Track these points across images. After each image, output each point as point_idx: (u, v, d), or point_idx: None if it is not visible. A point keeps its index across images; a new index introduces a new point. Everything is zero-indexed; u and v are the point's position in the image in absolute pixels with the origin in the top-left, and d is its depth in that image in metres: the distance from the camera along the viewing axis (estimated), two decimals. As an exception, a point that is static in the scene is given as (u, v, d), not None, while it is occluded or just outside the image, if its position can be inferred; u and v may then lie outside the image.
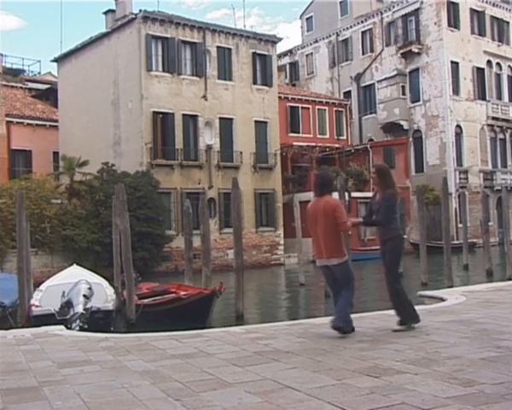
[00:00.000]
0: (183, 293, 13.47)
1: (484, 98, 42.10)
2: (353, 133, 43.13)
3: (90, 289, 11.43)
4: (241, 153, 32.52)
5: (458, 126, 40.24)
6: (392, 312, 8.18)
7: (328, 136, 40.70)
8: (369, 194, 36.59)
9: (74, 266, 15.30)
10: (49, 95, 39.46)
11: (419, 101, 40.84)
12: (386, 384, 4.09)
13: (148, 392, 4.16)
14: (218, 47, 32.50)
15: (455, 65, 40.34)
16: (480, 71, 42.04)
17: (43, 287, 12.88)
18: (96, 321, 10.69)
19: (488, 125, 42.18)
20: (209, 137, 31.71)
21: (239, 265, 13.75)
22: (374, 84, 42.97)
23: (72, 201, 27.31)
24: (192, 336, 6.66)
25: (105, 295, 12.23)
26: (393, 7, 42.61)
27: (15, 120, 34.32)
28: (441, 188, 19.68)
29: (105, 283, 13.36)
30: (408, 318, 6.44)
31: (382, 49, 43.09)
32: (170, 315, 12.49)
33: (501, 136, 43.38)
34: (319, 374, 4.49)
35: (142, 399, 3.97)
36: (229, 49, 32.98)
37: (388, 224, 6.46)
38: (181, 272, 19.80)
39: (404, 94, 41.31)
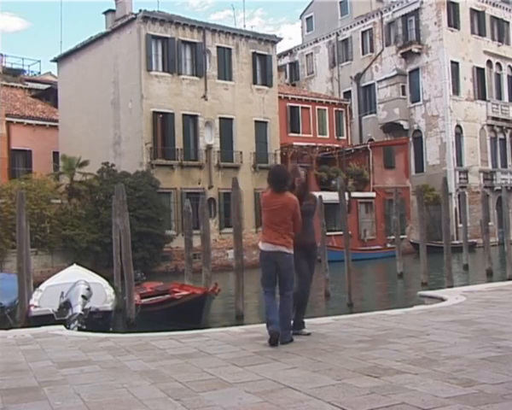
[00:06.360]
0: (179, 293, 13.45)
1: (484, 98, 42.12)
2: (353, 133, 43.10)
3: (88, 289, 11.39)
4: (241, 153, 32.52)
5: (458, 126, 40.26)
6: (392, 312, 8.20)
7: (328, 136, 40.66)
8: (370, 194, 36.69)
9: (74, 266, 15.28)
10: (49, 95, 39.46)
11: (419, 101, 40.85)
12: (386, 384, 4.09)
13: (148, 392, 4.16)
14: (218, 47, 32.52)
15: (455, 65, 40.36)
16: (479, 71, 42.06)
17: (42, 287, 12.85)
18: (95, 322, 10.65)
19: (488, 125, 42.19)
20: (209, 137, 31.71)
21: (239, 265, 13.75)
22: (374, 84, 42.98)
23: (72, 201, 27.31)
24: (192, 336, 6.65)
25: (104, 296, 12.19)
26: (393, 7, 42.62)
27: (15, 120, 34.31)
28: (441, 188, 19.67)
29: (105, 283, 13.34)
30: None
31: (382, 49, 43.10)
32: (165, 315, 12.49)
33: (501, 136, 43.39)
34: (319, 374, 4.48)
35: (142, 399, 3.96)
36: (229, 49, 32.99)
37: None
38: (181, 272, 19.79)
39: (404, 94, 41.32)
